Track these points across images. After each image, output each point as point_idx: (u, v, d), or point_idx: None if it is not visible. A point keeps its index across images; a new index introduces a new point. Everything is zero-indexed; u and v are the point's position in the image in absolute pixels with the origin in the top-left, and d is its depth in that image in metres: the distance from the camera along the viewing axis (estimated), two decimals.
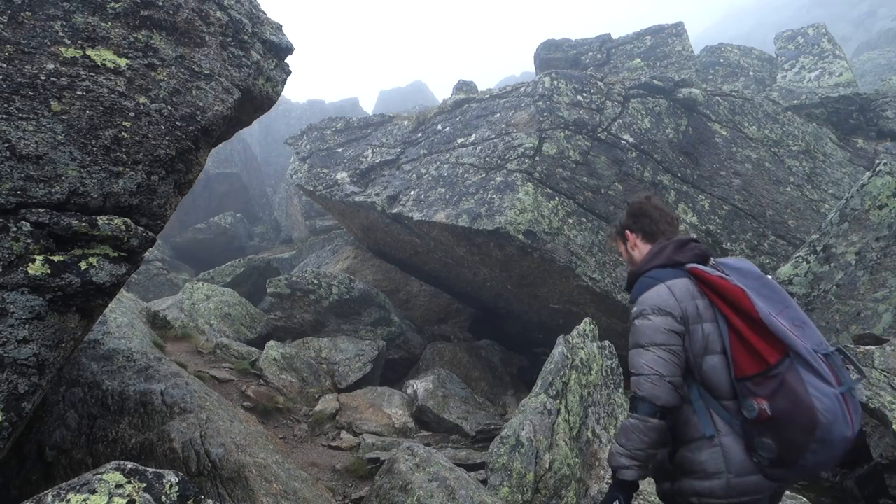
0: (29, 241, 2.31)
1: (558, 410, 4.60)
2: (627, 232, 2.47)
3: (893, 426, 4.04)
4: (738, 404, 2.00)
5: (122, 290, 4.44)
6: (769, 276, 2.15)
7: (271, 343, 7.40)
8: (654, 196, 2.55)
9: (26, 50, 2.59)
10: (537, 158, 7.31)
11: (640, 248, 2.42)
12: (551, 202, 7.08)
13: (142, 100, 2.80)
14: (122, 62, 2.83)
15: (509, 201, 6.90)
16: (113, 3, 2.94)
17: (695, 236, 2.31)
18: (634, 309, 2.17)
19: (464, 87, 14.19)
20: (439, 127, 8.99)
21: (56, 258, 2.37)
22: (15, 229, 2.29)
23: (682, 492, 2.10)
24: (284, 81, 3.91)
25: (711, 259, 2.22)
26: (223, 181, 19.52)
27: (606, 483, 4.43)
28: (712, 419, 2.04)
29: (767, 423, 1.90)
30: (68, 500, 1.76)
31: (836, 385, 1.87)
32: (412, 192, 8.17)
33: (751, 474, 1.98)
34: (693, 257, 2.20)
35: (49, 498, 1.77)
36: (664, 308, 2.07)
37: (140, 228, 2.66)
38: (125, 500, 1.80)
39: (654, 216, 2.40)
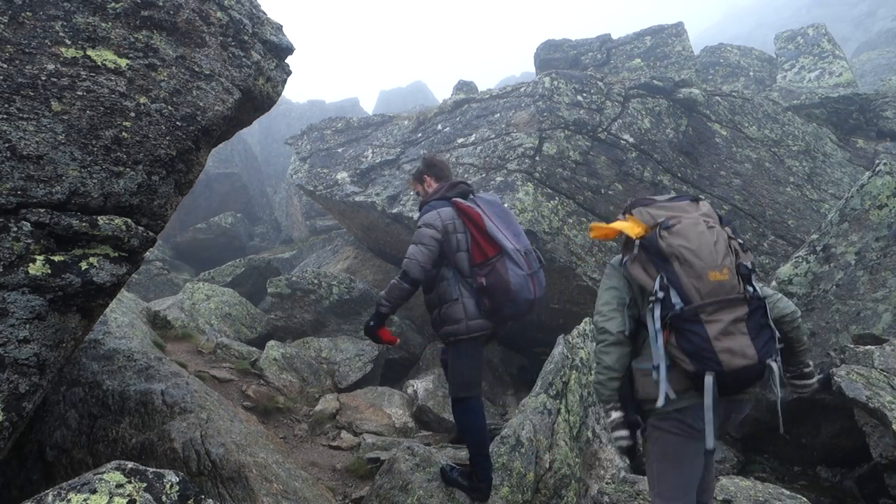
0: (29, 240, 2.31)
1: (558, 410, 4.60)
2: (425, 176, 3.71)
3: (893, 426, 4.04)
4: (473, 280, 3.32)
5: (122, 289, 4.44)
6: (504, 205, 3.53)
7: (271, 343, 7.40)
8: (437, 154, 3.74)
9: (27, 50, 2.59)
10: (537, 158, 7.31)
11: (433, 187, 3.65)
12: (551, 202, 7.09)
13: (142, 100, 2.80)
14: (123, 62, 2.84)
15: (509, 201, 6.90)
16: (113, 4, 2.94)
17: (464, 179, 3.69)
18: (418, 223, 3.44)
19: (464, 87, 14.19)
20: (439, 127, 8.99)
21: (56, 258, 2.37)
22: (15, 229, 2.29)
23: (444, 334, 3.44)
24: (285, 81, 3.91)
25: (471, 195, 3.49)
26: (223, 181, 19.51)
27: (606, 482, 4.43)
28: (459, 289, 3.35)
29: (485, 290, 3.24)
30: (69, 500, 1.76)
31: (528, 269, 3.24)
32: (412, 193, 8.17)
33: (478, 319, 3.33)
34: (457, 194, 3.47)
35: (50, 497, 1.77)
36: (431, 224, 3.35)
37: (140, 228, 2.66)
38: (126, 500, 1.80)
39: (441, 166, 3.68)
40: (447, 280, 3.38)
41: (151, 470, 1.96)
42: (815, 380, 2.58)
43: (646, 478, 2.99)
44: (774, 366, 2.20)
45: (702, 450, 2.30)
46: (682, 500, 2.45)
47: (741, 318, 2.21)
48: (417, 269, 3.29)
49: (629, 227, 2.48)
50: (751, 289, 2.28)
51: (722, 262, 2.28)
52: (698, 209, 2.49)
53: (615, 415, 2.44)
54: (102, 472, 1.88)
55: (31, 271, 2.29)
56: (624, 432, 2.42)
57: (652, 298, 2.30)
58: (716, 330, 2.18)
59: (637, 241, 2.41)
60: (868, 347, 4.93)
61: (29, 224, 2.33)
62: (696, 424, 2.29)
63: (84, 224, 2.45)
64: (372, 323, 3.43)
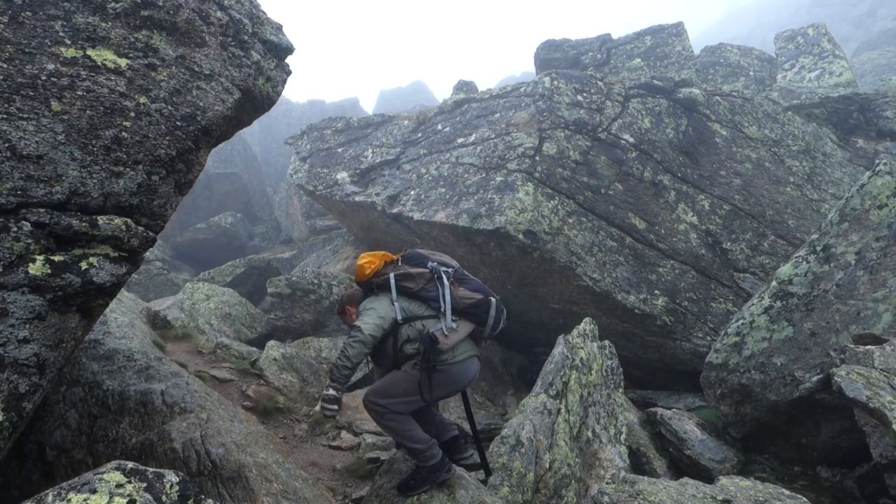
0: (29, 240, 2.31)
1: (558, 410, 4.60)
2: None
3: (893, 426, 4.04)
4: None
5: (122, 289, 4.43)
6: None
7: (271, 343, 7.40)
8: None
9: (27, 50, 2.59)
10: (537, 158, 7.31)
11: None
12: (551, 202, 7.08)
13: (142, 100, 2.80)
14: (123, 62, 2.83)
15: (509, 201, 6.90)
16: (113, 3, 2.94)
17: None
18: None
19: (464, 87, 14.21)
20: (439, 127, 8.99)
21: (56, 258, 2.37)
22: (15, 229, 2.29)
23: None
24: (284, 81, 3.90)
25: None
26: (223, 181, 19.53)
27: (606, 482, 4.43)
28: None
29: None
30: (69, 500, 1.76)
31: None
32: (412, 192, 8.17)
33: None
34: None
35: (50, 497, 1.77)
36: None
37: (140, 228, 2.66)
38: (126, 500, 1.80)
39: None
40: None
41: (151, 470, 1.96)
42: None
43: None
44: None
45: None
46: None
47: None
48: None
49: None
50: None
51: None
52: None
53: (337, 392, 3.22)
54: (102, 472, 1.88)
55: (31, 271, 2.29)
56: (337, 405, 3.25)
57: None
58: None
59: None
60: (868, 347, 4.93)
61: (29, 224, 2.33)
62: None
63: (84, 224, 2.44)
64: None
